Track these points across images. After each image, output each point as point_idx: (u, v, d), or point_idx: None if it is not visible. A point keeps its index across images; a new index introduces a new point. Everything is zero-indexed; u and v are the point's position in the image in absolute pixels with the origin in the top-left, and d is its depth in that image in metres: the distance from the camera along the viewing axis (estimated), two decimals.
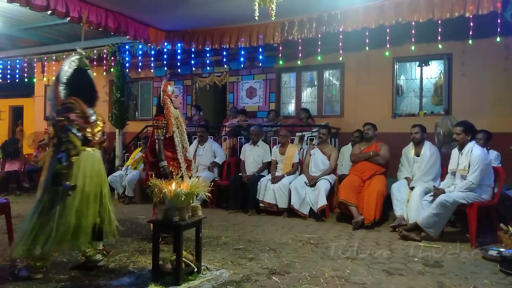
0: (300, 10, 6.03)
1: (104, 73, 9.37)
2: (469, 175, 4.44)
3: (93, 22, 5.88)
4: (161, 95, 4.51)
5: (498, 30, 5.24)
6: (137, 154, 7.83)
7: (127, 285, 3.18)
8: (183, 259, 3.22)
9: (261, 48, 7.51)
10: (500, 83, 6.34)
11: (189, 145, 5.22)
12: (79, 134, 3.24)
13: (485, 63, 6.43)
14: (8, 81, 9.76)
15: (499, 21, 5.21)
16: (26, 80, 10.65)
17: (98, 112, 3.63)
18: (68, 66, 3.50)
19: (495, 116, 6.27)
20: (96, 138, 3.51)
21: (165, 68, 9.06)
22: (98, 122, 3.56)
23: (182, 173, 4.25)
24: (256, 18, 4.32)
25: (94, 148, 3.49)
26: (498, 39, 5.39)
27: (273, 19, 4.57)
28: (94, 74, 9.26)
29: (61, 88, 3.42)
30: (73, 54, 3.62)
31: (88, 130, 3.40)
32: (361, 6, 5.76)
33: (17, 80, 9.86)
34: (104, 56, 8.33)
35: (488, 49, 6.27)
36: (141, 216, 5.98)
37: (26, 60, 9.26)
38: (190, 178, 4.18)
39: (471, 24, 5.31)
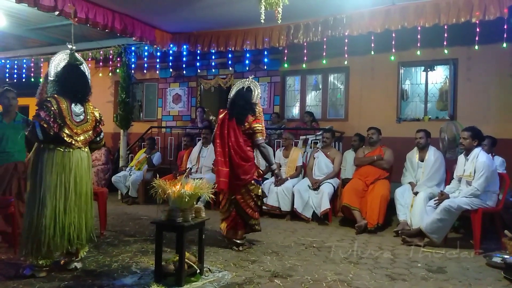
0: (306, 14, 6.03)
1: (110, 74, 9.42)
2: (474, 181, 4.42)
3: (99, 23, 5.92)
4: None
5: (505, 36, 5.24)
6: (141, 155, 7.83)
7: (129, 285, 3.19)
8: (186, 260, 3.23)
9: (266, 51, 7.52)
10: (506, 89, 6.31)
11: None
12: (40, 134, 3.18)
13: (491, 69, 6.41)
14: (15, 80, 9.81)
15: (505, 27, 5.21)
16: (32, 79, 10.68)
17: (90, 110, 3.52)
18: (57, 63, 3.48)
19: (500, 122, 6.23)
20: (81, 138, 3.41)
21: (171, 70, 9.10)
22: (87, 122, 3.47)
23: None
24: (262, 21, 4.33)
25: (79, 149, 3.39)
26: (504, 45, 5.39)
27: (279, 22, 4.59)
28: (100, 74, 9.08)
29: (50, 85, 3.40)
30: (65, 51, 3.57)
31: (66, 131, 3.29)
32: (367, 10, 5.76)
33: (23, 80, 9.92)
34: (110, 57, 8.37)
35: (494, 55, 6.25)
36: (144, 216, 6.00)
37: (33, 60, 9.32)
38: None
39: (477, 29, 5.31)
